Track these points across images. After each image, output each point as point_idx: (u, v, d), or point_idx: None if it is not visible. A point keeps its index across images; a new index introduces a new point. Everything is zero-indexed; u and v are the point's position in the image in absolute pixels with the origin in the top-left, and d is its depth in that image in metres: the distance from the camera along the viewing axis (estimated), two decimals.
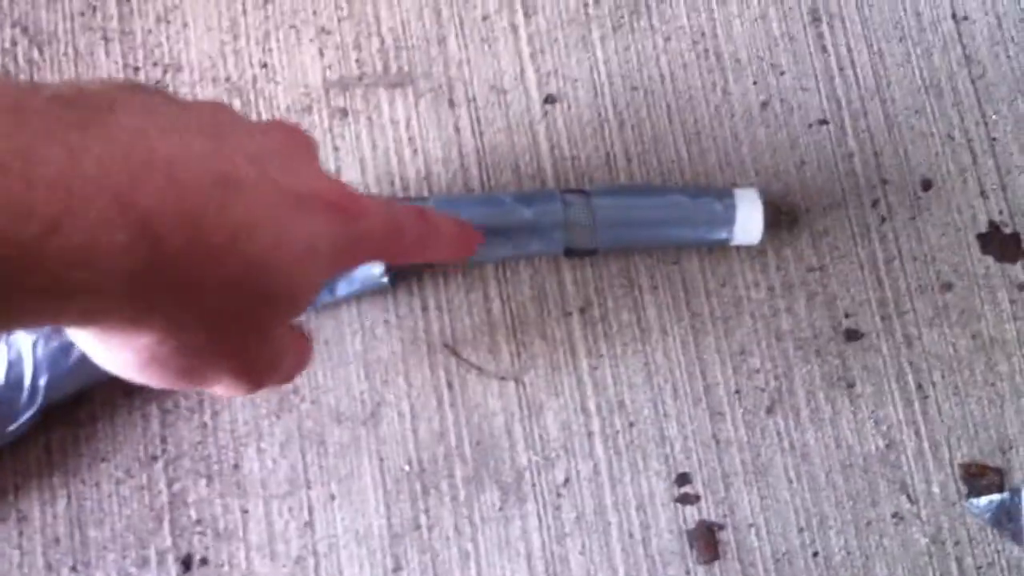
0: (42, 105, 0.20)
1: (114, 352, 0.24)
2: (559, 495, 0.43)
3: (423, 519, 0.43)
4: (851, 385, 0.44)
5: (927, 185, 0.46)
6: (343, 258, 0.28)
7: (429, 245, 0.35)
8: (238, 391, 0.28)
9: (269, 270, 0.24)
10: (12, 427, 0.40)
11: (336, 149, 0.46)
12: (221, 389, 0.27)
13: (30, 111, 0.19)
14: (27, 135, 0.19)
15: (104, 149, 0.20)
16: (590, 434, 0.44)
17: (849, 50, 0.47)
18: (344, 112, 0.46)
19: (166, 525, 0.42)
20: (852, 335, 0.45)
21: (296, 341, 0.30)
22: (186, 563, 0.42)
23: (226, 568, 0.42)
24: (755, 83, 0.46)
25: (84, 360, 0.41)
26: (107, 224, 0.20)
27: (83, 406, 0.43)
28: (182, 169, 0.22)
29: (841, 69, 0.46)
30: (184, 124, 0.23)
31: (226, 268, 0.23)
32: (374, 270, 0.42)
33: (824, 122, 0.46)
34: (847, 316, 0.45)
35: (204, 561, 0.42)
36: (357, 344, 0.44)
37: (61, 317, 0.21)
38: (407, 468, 0.43)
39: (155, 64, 0.46)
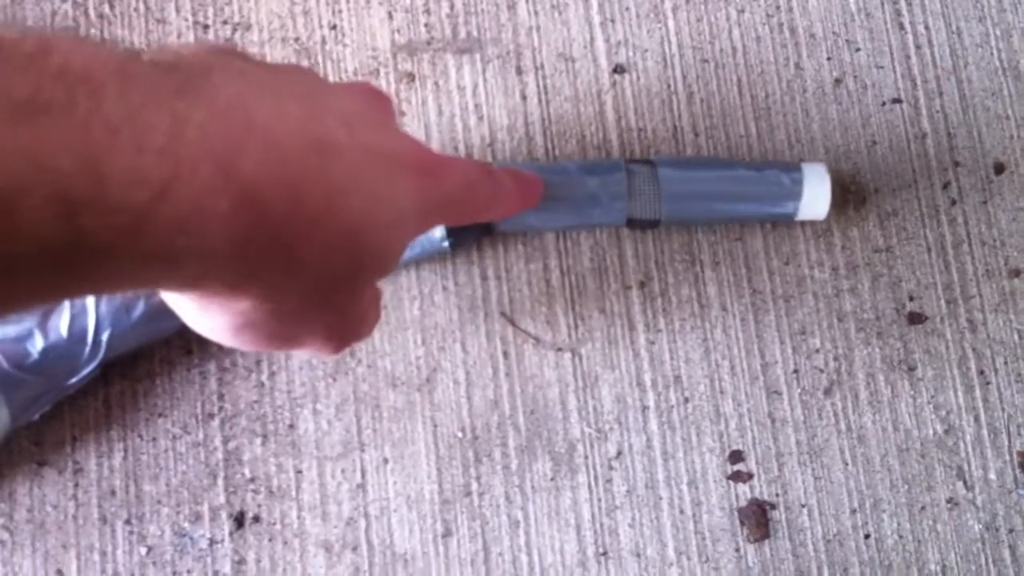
0: (145, 70, 0.19)
1: (211, 317, 0.24)
2: (611, 468, 0.43)
3: (474, 486, 0.43)
4: (912, 369, 0.44)
5: (1000, 169, 0.45)
6: (429, 218, 0.28)
7: (498, 201, 0.34)
8: (325, 352, 0.27)
9: (363, 234, 0.24)
10: (73, 380, 0.40)
11: (402, 114, 0.45)
12: (308, 350, 0.27)
13: (135, 76, 0.19)
14: (135, 101, 0.18)
15: (206, 116, 0.20)
16: (644, 408, 0.43)
17: (927, 28, 0.45)
18: (411, 77, 0.45)
19: (220, 482, 0.42)
20: (915, 318, 0.44)
21: (377, 303, 0.30)
22: (239, 520, 0.42)
23: (278, 526, 0.42)
24: (829, 59, 0.45)
25: (146, 316, 0.41)
26: (212, 191, 0.19)
27: (142, 362, 0.43)
28: (281, 135, 0.22)
29: (918, 47, 0.45)
30: (277, 88, 0.23)
31: (324, 233, 0.23)
32: (435, 235, 0.42)
33: (898, 101, 0.45)
34: (911, 299, 0.44)
35: (256, 519, 0.42)
36: (415, 310, 0.44)
37: (165, 282, 0.21)
38: (460, 435, 0.43)
39: (224, 23, 0.45)
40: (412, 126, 0.45)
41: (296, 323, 0.25)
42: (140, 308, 0.40)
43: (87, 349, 0.40)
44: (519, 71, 0.45)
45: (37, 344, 0.39)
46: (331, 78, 0.45)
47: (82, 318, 0.40)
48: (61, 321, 0.39)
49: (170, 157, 0.18)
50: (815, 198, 0.42)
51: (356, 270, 0.25)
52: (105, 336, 0.40)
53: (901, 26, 0.46)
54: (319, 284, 0.24)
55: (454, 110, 0.45)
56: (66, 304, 0.39)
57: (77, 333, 0.40)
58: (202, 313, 0.24)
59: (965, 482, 0.43)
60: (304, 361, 0.43)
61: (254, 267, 0.22)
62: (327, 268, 0.23)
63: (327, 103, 0.24)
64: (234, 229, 0.20)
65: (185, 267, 0.20)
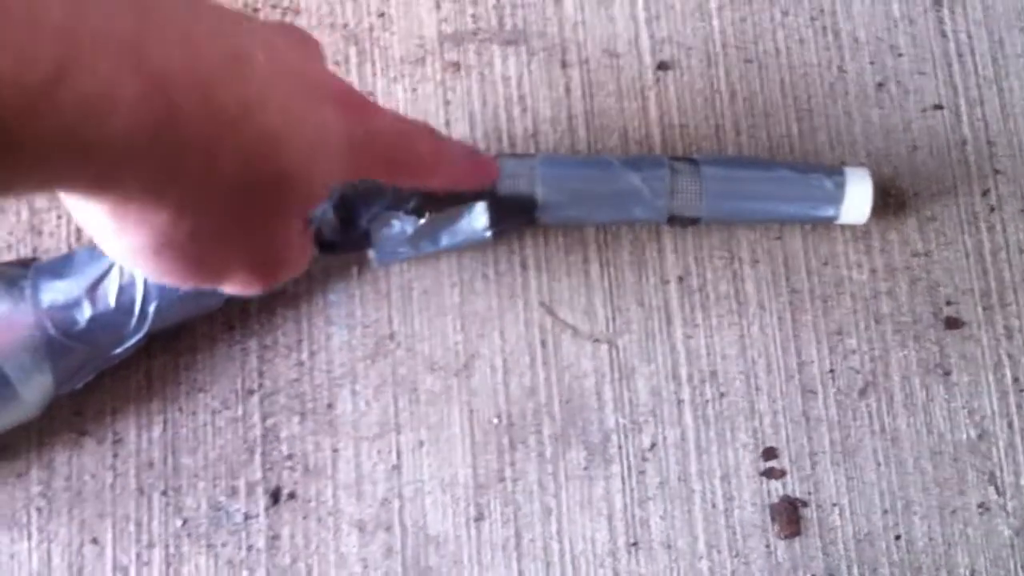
0: None
1: (128, 235, 0.23)
2: (644, 459, 0.43)
3: (508, 472, 0.43)
4: (947, 373, 0.44)
5: None
6: (360, 159, 0.28)
7: (441, 166, 0.33)
8: (251, 285, 0.27)
9: (282, 147, 0.24)
10: (117, 351, 0.41)
11: (447, 103, 0.46)
12: (234, 285, 0.27)
13: None
14: None
15: (111, 3, 0.19)
16: (680, 402, 0.44)
17: (969, 36, 0.46)
18: (456, 66, 0.46)
19: (258, 458, 0.42)
20: (952, 323, 0.44)
21: (305, 240, 0.30)
22: (275, 496, 0.42)
23: (313, 504, 0.42)
24: (872, 63, 0.46)
25: (194, 290, 0.42)
26: (118, 77, 0.19)
27: (184, 337, 0.43)
28: (196, 36, 0.21)
29: (960, 55, 0.46)
30: (197, 3, 0.23)
31: (239, 138, 0.22)
32: (478, 224, 0.42)
33: (939, 107, 0.46)
34: (948, 304, 0.44)
35: (292, 495, 0.42)
36: (455, 296, 0.44)
37: (77, 181, 0.21)
38: (496, 421, 0.43)
39: (274, 7, 0.46)
40: (456, 115, 0.46)
41: (218, 247, 0.25)
42: None
43: (133, 320, 0.40)
44: (564, 65, 0.46)
45: (85, 312, 0.39)
46: (378, 65, 0.46)
47: (131, 289, 0.40)
48: (110, 290, 0.40)
49: (67, 37, 0.18)
50: (857, 203, 0.42)
51: (277, 190, 0.24)
52: (152, 307, 0.40)
53: (943, 33, 0.46)
54: (239, 199, 0.24)
55: (498, 101, 0.46)
56: (115, 274, 0.40)
57: (125, 303, 0.40)
58: (119, 229, 0.23)
59: (997, 487, 0.43)
60: (344, 342, 0.44)
61: (167, 168, 0.21)
62: (246, 180, 0.23)
63: (248, 27, 0.24)
64: (142, 119, 0.20)
65: (93, 160, 0.20)
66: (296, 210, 0.27)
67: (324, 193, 0.27)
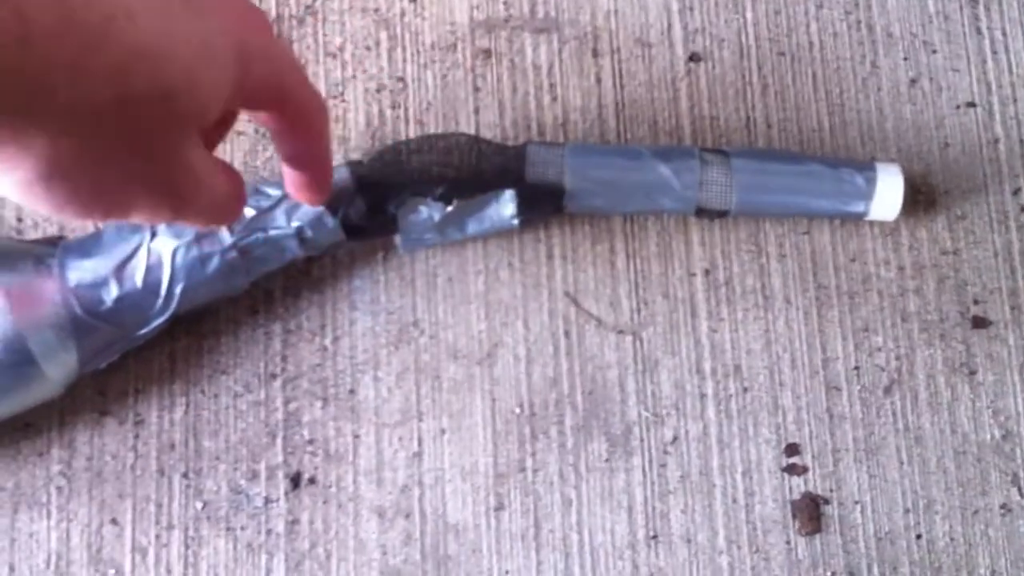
0: None
1: (10, 167, 0.22)
2: (666, 453, 0.43)
3: (529, 462, 0.43)
4: (973, 372, 0.44)
5: None
6: (246, 71, 0.27)
7: (313, 109, 0.31)
8: (158, 215, 0.26)
9: (158, 61, 0.23)
10: (142, 331, 0.40)
11: (477, 89, 0.45)
12: (141, 214, 0.26)
13: None
14: None
15: None
16: (703, 395, 0.44)
17: (1004, 34, 0.46)
18: (488, 53, 0.46)
19: (279, 442, 0.42)
20: (979, 322, 0.44)
21: (223, 171, 0.29)
22: (295, 480, 0.42)
23: (333, 489, 0.42)
24: (905, 59, 0.46)
25: (220, 272, 0.42)
26: None
27: (208, 319, 0.43)
28: None
29: (994, 52, 0.46)
30: None
31: (106, 53, 0.22)
32: (505, 212, 0.42)
33: (972, 105, 0.45)
34: (976, 303, 0.44)
35: (312, 480, 0.42)
36: (480, 284, 0.44)
37: None
38: (518, 411, 0.43)
39: None
40: (486, 102, 0.45)
41: (111, 172, 0.24)
42: (215, 263, 0.40)
43: (160, 301, 0.40)
44: (595, 54, 0.46)
45: (112, 292, 0.39)
46: (408, 51, 0.46)
47: (157, 270, 0.40)
48: (137, 271, 0.40)
49: None
50: (887, 200, 0.42)
51: (160, 106, 0.23)
52: (179, 289, 0.40)
53: (978, 30, 0.46)
54: (119, 118, 0.23)
55: (528, 88, 0.45)
56: (143, 254, 0.40)
57: (152, 284, 0.40)
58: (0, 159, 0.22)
59: (1020, 489, 0.43)
60: (368, 328, 0.43)
61: (32, 90, 0.21)
62: (120, 97, 0.22)
63: None
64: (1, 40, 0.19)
65: None
66: (187, 128, 0.25)
67: (216, 107, 0.26)
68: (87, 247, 0.40)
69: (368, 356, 0.43)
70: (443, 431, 0.43)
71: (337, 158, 0.44)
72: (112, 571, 0.41)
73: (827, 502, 0.43)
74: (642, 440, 0.43)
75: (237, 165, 0.45)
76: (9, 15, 0.19)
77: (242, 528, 0.41)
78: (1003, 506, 0.43)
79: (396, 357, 0.43)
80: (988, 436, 0.43)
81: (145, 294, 0.40)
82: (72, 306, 0.39)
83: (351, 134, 0.45)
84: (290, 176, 0.34)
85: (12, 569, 0.40)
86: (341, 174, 0.41)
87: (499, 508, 0.42)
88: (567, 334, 0.44)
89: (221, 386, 0.43)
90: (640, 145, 0.44)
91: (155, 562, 0.41)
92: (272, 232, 0.40)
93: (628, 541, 0.42)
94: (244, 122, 0.45)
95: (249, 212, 0.40)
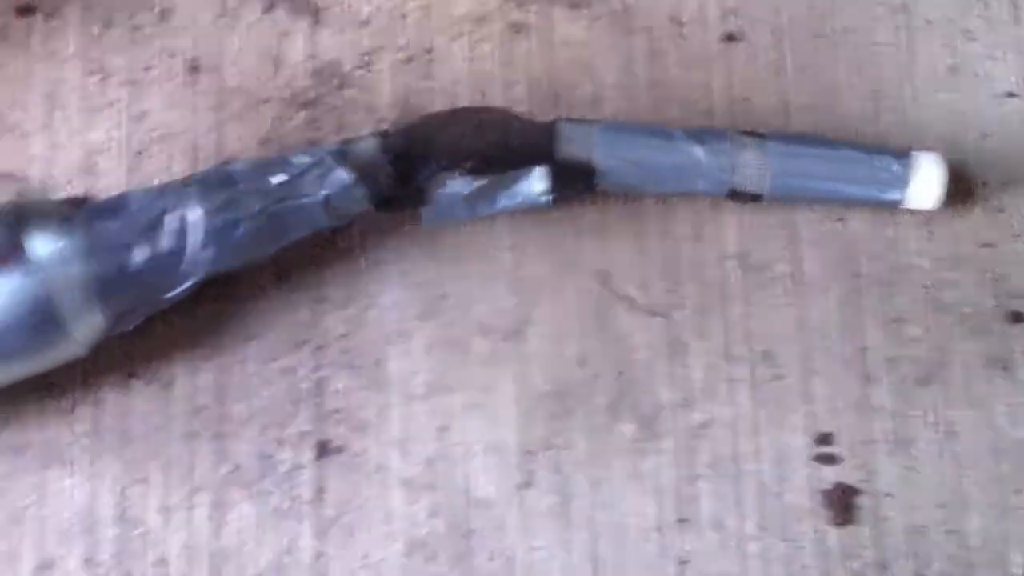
0: None
1: None
2: (695, 436, 0.42)
3: (557, 440, 0.42)
4: (1009, 368, 0.43)
5: None
6: None
7: None
8: None
9: None
10: (170, 294, 0.40)
11: (506, 64, 0.46)
12: None
13: None
14: None
15: None
16: (733, 381, 0.43)
17: None
18: (519, 27, 0.46)
19: (306, 410, 0.42)
20: (1018, 317, 0.43)
21: None
22: (322, 449, 0.42)
23: (359, 459, 0.42)
24: (944, 46, 0.45)
25: (249, 237, 0.42)
26: None
27: (235, 285, 0.43)
28: None
29: None
30: None
31: None
32: (536, 189, 0.42)
33: (1012, 95, 0.45)
34: (1015, 297, 0.44)
35: (339, 449, 0.42)
36: (509, 260, 0.44)
37: None
38: (547, 388, 0.43)
39: None
40: (516, 77, 0.45)
41: None
42: (242, 229, 0.40)
43: (186, 266, 0.40)
44: (628, 31, 0.46)
45: (137, 255, 0.39)
46: (439, 23, 0.46)
47: (184, 234, 0.40)
48: (164, 233, 0.40)
49: None
50: (925, 188, 0.42)
51: None
52: (206, 254, 0.40)
53: (1018, 19, 0.46)
54: None
55: (559, 64, 0.46)
56: (170, 218, 0.40)
57: (178, 248, 0.40)
58: None
59: None
60: (396, 300, 0.43)
61: None
62: None
63: None
64: None
65: None
66: None
67: None
68: (113, 209, 0.40)
69: (395, 328, 0.43)
70: (470, 406, 0.43)
71: (366, 128, 0.44)
72: (140, 529, 0.41)
73: (859, 493, 0.42)
74: (672, 423, 0.43)
75: (262, 135, 0.45)
76: None
77: (269, 493, 0.41)
78: None
79: (424, 330, 0.43)
80: None
81: (172, 258, 0.40)
82: (97, 267, 0.39)
83: (380, 104, 0.45)
84: None
85: (42, 523, 0.40)
86: (370, 144, 0.41)
87: (526, 485, 0.42)
88: (597, 314, 0.44)
89: (249, 352, 0.43)
90: (673, 128, 0.44)
91: (183, 523, 0.41)
92: (301, 200, 0.40)
93: (656, 523, 0.41)
94: (269, 89, 0.46)
95: (278, 179, 0.40)
